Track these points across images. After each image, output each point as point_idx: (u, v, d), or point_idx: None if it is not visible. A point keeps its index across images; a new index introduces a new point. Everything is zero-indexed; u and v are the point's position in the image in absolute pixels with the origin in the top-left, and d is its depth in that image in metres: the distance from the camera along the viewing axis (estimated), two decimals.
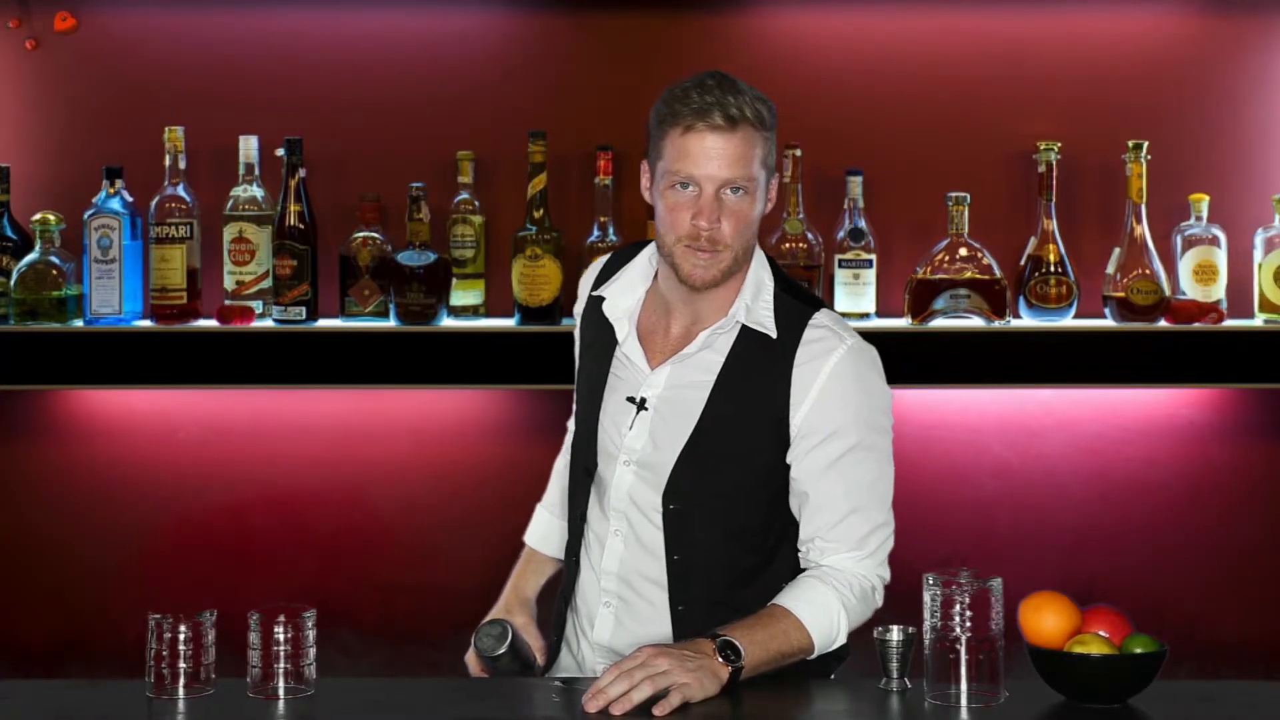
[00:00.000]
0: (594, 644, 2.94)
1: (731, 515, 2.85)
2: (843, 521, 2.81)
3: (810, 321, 2.83)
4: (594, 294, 2.97)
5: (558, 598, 3.05)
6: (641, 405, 2.86)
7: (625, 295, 2.93)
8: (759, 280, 2.85)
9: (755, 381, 2.81)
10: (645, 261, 2.96)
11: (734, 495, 2.84)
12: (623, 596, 2.91)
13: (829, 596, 2.78)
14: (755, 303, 2.83)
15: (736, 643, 2.67)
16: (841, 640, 2.81)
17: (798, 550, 2.87)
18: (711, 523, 2.85)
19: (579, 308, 3.05)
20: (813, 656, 2.79)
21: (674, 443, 2.84)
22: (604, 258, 3.06)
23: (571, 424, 3.07)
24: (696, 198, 2.76)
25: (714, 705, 2.67)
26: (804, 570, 2.85)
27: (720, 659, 2.66)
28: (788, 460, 2.82)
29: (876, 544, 2.83)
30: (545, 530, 3.15)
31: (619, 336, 2.91)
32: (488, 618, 3.03)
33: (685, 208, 2.77)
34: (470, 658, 3.01)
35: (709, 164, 2.74)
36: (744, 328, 2.83)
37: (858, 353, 2.83)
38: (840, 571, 2.81)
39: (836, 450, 2.80)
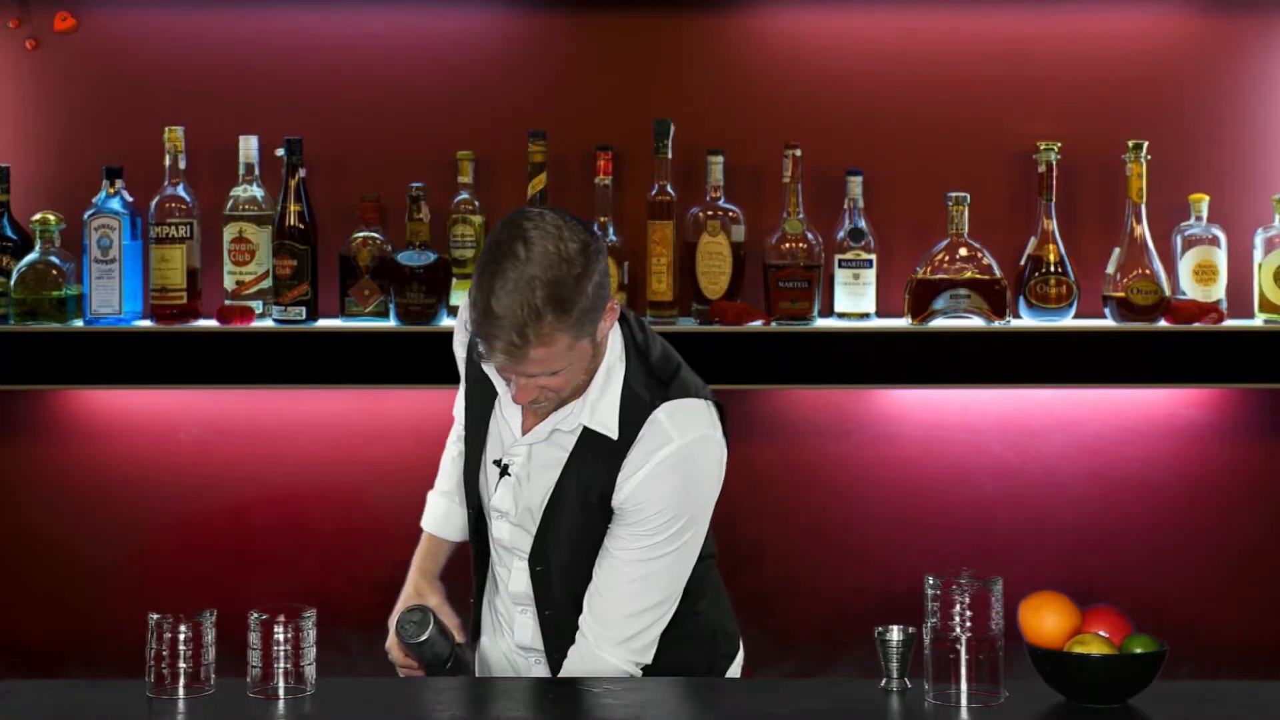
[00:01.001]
0: (516, 645, 3.00)
1: (578, 580, 2.89)
2: (621, 619, 2.84)
3: (649, 418, 2.81)
4: (476, 354, 2.95)
5: (473, 600, 3.07)
6: (505, 471, 2.92)
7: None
8: (609, 373, 2.84)
9: (594, 470, 2.84)
10: None
11: (579, 561, 2.88)
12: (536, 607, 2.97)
13: (613, 665, 2.85)
14: (600, 403, 2.83)
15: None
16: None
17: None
18: (563, 585, 2.90)
19: (461, 336, 3.02)
20: None
21: (534, 511, 2.91)
22: None
23: (459, 414, 3.08)
24: (511, 380, 2.78)
25: (712, 704, 2.68)
26: (587, 641, 2.87)
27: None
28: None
29: (647, 640, 2.85)
30: (443, 516, 3.17)
31: (499, 391, 2.93)
32: (400, 606, 3.06)
33: (512, 382, 2.79)
34: (392, 645, 3.03)
35: (513, 373, 2.75)
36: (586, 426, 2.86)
37: (686, 453, 2.81)
38: (603, 661, 2.84)
39: (639, 544, 2.82)
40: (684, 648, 2.92)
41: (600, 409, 2.83)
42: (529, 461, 2.90)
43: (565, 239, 2.68)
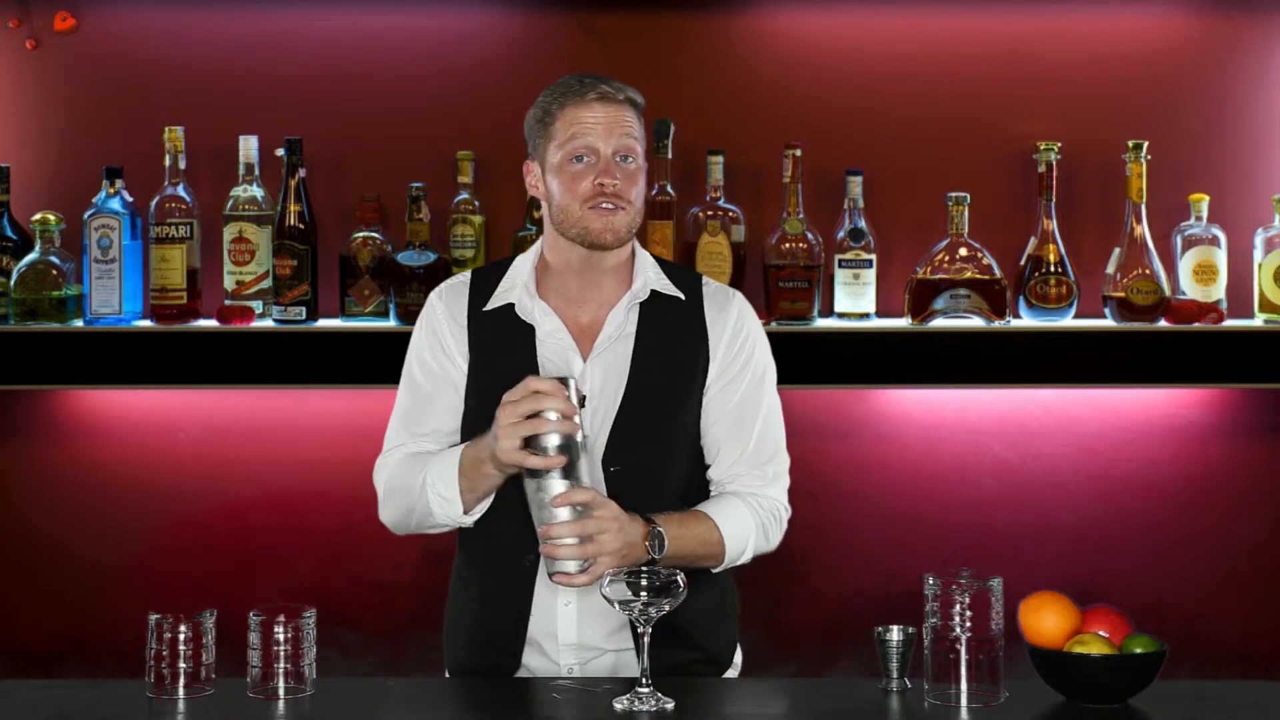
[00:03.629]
0: (562, 645, 2.97)
1: (656, 475, 2.98)
2: (752, 450, 3.03)
3: (702, 281, 3.08)
4: (489, 309, 3.00)
5: (505, 612, 2.99)
6: (582, 402, 2.92)
7: (528, 298, 3.02)
8: (640, 255, 3.05)
9: (672, 341, 3.00)
10: (527, 266, 3.04)
11: (659, 454, 2.98)
12: (580, 593, 2.96)
13: (747, 517, 2.99)
14: (647, 273, 3.03)
15: (665, 536, 2.86)
16: (746, 559, 3.00)
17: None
18: (640, 483, 2.95)
19: (445, 329, 3.02)
20: (718, 569, 2.98)
21: (606, 417, 2.97)
22: (452, 281, 3.08)
23: (400, 438, 3.03)
24: (595, 164, 2.94)
25: (712, 704, 2.68)
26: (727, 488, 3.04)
27: (647, 545, 2.83)
28: (703, 403, 3.01)
29: (778, 470, 3.06)
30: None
31: (542, 332, 2.99)
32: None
33: (585, 175, 2.94)
34: (514, 410, 2.76)
35: (603, 130, 2.94)
36: (645, 300, 3.01)
37: (746, 302, 3.09)
38: (754, 495, 3.02)
39: (745, 386, 3.03)
40: (705, 583, 3.00)
41: (651, 278, 3.02)
42: (599, 378, 2.97)
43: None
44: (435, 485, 2.90)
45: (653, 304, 3.00)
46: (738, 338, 3.03)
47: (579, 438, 2.76)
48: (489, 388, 2.92)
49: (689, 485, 3.02)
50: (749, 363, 3.03)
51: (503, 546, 2.96)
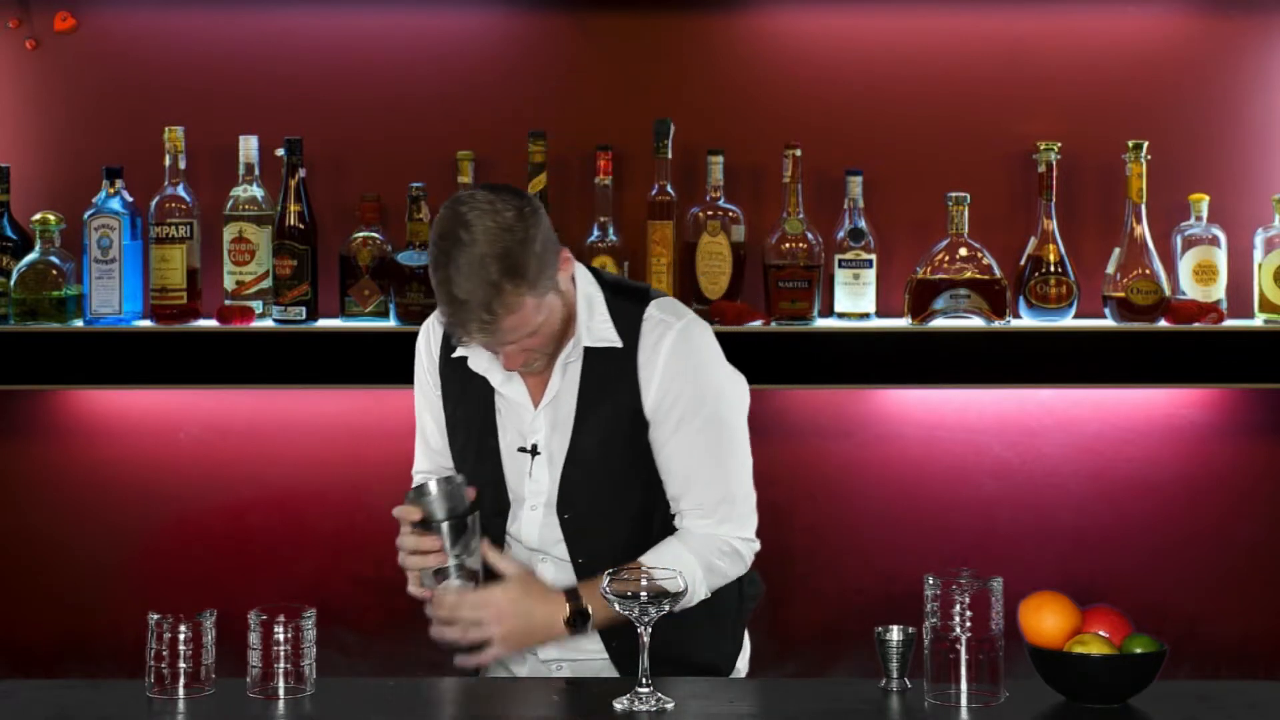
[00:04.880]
0: (528, 654, 3.04)
1: (608, 519, 2.98)
2: (691, 490, 2.96)
3: (643, 317, 2.97)
4: (455, 356, 3.03)
5: None
6: (534, 451, 2.98)
7: (482, 354, 3.00)
8: (589, 298, 2.96)
9: (610, 389, 2.95)
10: None
11: (608, 500, 2.98)
12: None
13: (689, 559, 2.92)
14: (593, 322, 2.96)
15: (588, 610, 2.89)
16: (701, 596, 2.95)
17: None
18: (592, 529, 2.98)
19: (425, 363, 3.10)
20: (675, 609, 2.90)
21: (556, 465, 2.99)
22: (438, 314, 3.07)
23: (432, 463, 3.13)
24: (498, 353, 2.90)
25: (712, 704, 2.68)
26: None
27: (567, 626, 2.89)
28: (652, 445, 2.97)
29: (731, 514, 2.97)
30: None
31: (495, 383, 3.00)
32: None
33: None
34: (402, 514, 2.94)
35: (495, 346, 2.87)
36: (588, 346, 2.96)
37: (686, 331, 2.97)
38: (699, 535, 2.96)
39: (683, 425, 2.94)
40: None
41: (595, 327, 2.94)
42: (549, 429, 2.97)
43: (500, 210, 2.79)
44: None
45: (593, 352, 2.96)
46: (670, 378, 2.94)
47: (448, 560, 2.91)
48: (459, 426, 3.06)
49: (648, 524, 3.00)
50: (680, 400, 2.94)
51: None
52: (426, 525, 2.90)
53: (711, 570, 2.95)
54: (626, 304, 2.97)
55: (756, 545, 3.02)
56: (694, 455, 2.95)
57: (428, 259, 2.82)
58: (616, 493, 2.97)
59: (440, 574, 2.91)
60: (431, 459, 3.13)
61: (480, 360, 3.00)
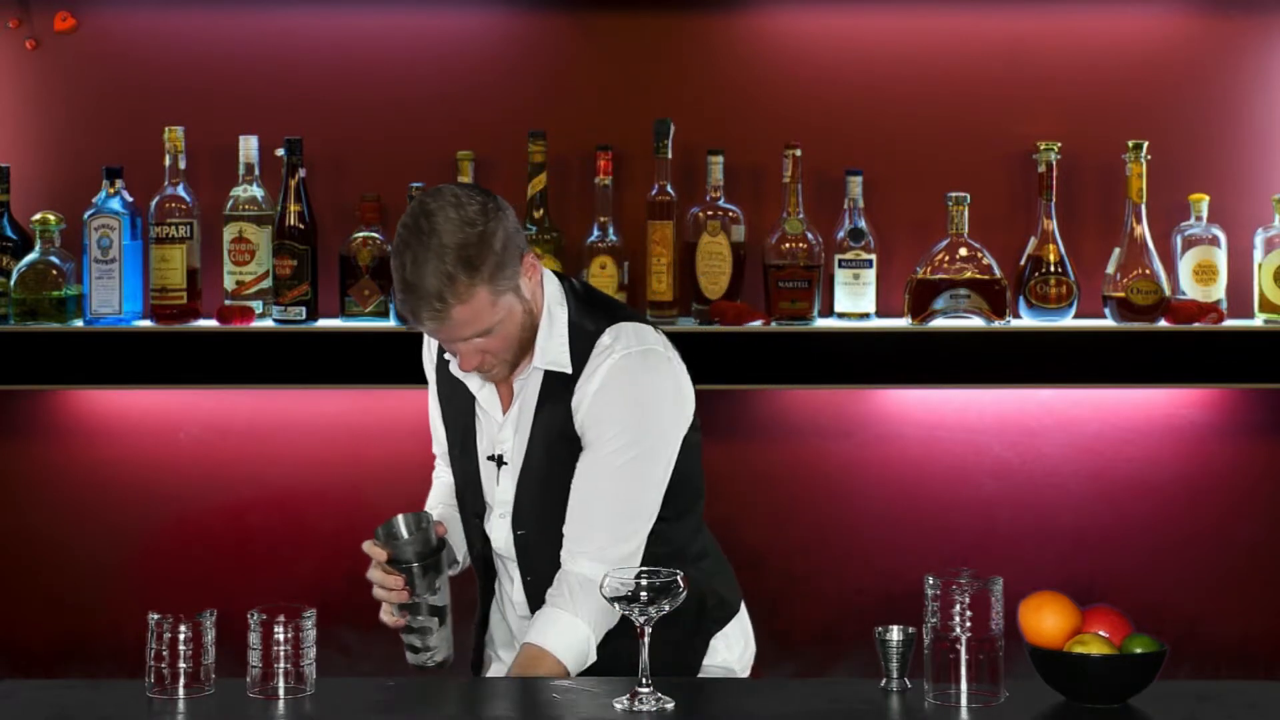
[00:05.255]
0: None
1: (558, 539, 2.94)
2: (591, 531, 2.90)
3: (595, 344, 2.91)
4: (446, 357, 3.03)
5: (475, 624, 3.12)
6: (500, 461, 2.98)
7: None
8: (551, 318, 2.93)
9: (557, 409, 2.93)
10: None
11: (556, 519, 2.94)
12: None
13: (575, 625, 2.87)
14: (549, 343, 2.93)
15: None
16: (593, 658, 2.89)
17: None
18: (543, 545, 2.95)
19: (429, 355, 3.14)
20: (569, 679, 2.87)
21: (515, 479, 2.99)
22: None
23: (441, 450, 3.17)
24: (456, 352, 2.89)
25: (713, 704, 2.68)
26: (562, 566, 2.92)
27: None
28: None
29: (589, 550, 2.89)
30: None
31: (472, 389, 3.01)
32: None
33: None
34: (370, 549, 2.97)
35: (444, 337, 2.87)
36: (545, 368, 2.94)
37: (629, 361, 2.90)
38: (584, 581, 2.87)
39: (600, 460, 2.89)
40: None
41: (550, 348, 2.92)
42: (516, 438, 2.97)
43: (464, 204, 2.80)
44: None
45: (550, 373, 2.94)
46: (595, 406, 2.89)
47: (415, 598, 2.93)
48: (449, 424, 3.08)
49: None
50: (602, 438, 2.89)
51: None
52: (395, 564, 2.93)
53: (601, 625, 2.89)
54: (587, 325, 2.93)
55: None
56: (590, 484, 2.90)
57: (392, 249, 2.83)
58: (563, 514, 2.93)
59: (406, 609, 2.94)
60: (442, 448, 3.17)
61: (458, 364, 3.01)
